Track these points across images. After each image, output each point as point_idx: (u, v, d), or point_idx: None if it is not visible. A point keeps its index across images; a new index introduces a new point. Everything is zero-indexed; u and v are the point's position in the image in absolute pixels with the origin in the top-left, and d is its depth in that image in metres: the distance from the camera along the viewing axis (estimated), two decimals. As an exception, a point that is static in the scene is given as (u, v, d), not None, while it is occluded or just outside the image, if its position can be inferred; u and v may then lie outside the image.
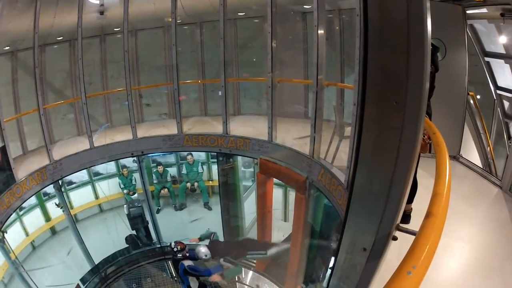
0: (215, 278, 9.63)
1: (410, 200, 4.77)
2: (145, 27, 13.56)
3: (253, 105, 12.63)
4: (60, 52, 13.19)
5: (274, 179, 10.54)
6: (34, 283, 10.35)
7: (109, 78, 13.68)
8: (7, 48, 11.68)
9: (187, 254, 9.67)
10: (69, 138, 12.82)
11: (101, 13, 11.71)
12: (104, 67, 13.61)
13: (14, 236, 12.11)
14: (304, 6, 11.00)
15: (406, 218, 4.58)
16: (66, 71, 13.23)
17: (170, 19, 11.26)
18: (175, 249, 9.61)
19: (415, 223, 2.50)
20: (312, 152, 8.66)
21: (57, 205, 12.11)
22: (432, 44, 2.13)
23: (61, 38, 12.92)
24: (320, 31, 8.06)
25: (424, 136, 4.05)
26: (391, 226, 2.50)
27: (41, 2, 10.12)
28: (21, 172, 10.35)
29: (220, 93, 11.10)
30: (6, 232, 9.77)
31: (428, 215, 2.25)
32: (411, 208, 4.85)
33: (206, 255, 9.61)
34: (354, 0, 7.15)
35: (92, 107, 12.26)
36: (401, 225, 2.54)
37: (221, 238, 12.36)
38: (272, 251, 10.29)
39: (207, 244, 9.99)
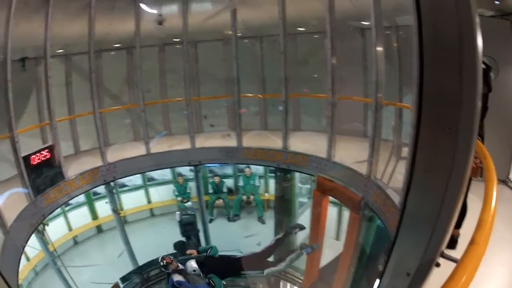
0: None
1: (459, 225, 4.66)
2: (205, 39, 13.73)
3: (313, 121, 12.56)
4: (118, 59, 13.68)
5: (330, 197, 10.41)
6: (70, 276, 10.62)
7: (168, 87, 13.97)
8: (60, 51, 12.11)
9: (179, 267, 9.64)
10: (125, 143, 13.22)
11: (160, 23, 11.86)
12: (163, 76, 13.92)
13: (57, 229, 12.66)
14: (362, 22, 10.88)
15: (453, 243, 4.48)
16: (124, 77, 13.66)
17: (230, 32, 11.46)
18: (161, 263, 9.61)
19: (460, 248, 2.43)
20: (369, 172, 8.54)
21: (115, 211, 12.44)
22: (484, 63, 2.07)
23: (119, 45, 13.38)
24: (379, 48, 8.01)
25: (475, 159, 3.95)
26: (436, 252, 2.43)
27: (95, 10, 10.48)
28: (71, 170, 10.72)
29: (280, 108, 11.13)
30: (48, 225, 10.07)
31: (472, 242, 2.20)
32: (459, 234, 4.72)
33: (194, 270, 9.55)
34: (410, 17, 7.00)
35: (150, 115, 12.66)
36: (446, 250, 2.46)
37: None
38: (269, 271, 10.09)
39: (200, 258, 9.93)
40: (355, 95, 11.19)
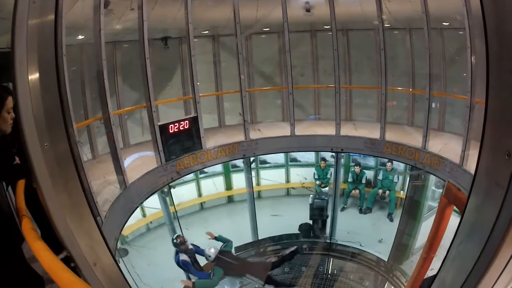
0: (184, 282, 9.73)
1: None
2: (355, 27, 13.59)
3: (457, 124, 11.84)
4: (269, 42, 14.12)
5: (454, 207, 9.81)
6: (182, 233, 11.05)
7: (321, 73, 14.08)
8: (205, 32, 12.94)
9: (190, 248, 10.09)
10: (271, 122, 13.67)
11: (307, 10, 11.93)
12: (315, 62, 14.06)
13: (184, 193, 13.99)
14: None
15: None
16: (276, 60, 14.00)
17: (377, 22, 11.13)
18: (174, 241, 10.02)
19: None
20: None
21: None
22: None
23: (268, 29, 13.79)
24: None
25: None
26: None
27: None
28: (210, 142, 11.34)
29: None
30: (174, 187, 10.87)
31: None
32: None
33: (209, 256, 9.89)
34: None
35: (302, 97, 13.10)
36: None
37: (388, 249, 12.31)
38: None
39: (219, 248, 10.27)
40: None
